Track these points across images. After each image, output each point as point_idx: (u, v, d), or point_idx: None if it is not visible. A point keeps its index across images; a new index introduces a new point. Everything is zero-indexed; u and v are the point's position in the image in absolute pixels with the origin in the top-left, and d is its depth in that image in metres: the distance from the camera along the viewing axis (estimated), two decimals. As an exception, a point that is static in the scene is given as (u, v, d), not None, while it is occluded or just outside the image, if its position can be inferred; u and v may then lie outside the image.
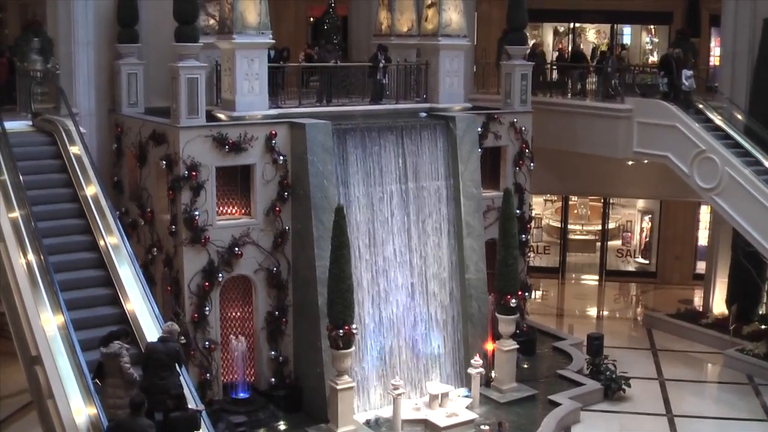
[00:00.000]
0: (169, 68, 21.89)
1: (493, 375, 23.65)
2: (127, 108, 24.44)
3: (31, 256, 17.08)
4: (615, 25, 37.15)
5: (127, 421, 13.86)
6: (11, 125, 20.41)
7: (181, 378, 15.72)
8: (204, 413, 15.72)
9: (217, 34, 23.33)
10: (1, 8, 33.83)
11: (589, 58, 32.90)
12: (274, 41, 23.03)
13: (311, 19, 35.23)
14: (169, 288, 21.80)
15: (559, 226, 36.80)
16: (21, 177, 18.25)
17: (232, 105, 22.26)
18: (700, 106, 27.39)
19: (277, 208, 22.04)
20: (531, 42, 32.83)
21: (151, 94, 24.78)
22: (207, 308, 21.31)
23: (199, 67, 21.71)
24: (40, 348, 15.70)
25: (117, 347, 15.16)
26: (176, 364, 15.42)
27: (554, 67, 31.72)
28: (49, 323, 15.98)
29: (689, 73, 26.99)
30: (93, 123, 24.27)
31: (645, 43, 37.96)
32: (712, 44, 34.13)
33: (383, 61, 25.49)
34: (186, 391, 15.73)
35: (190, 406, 15.40)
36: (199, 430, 15.10)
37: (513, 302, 23.20)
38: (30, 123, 21.77)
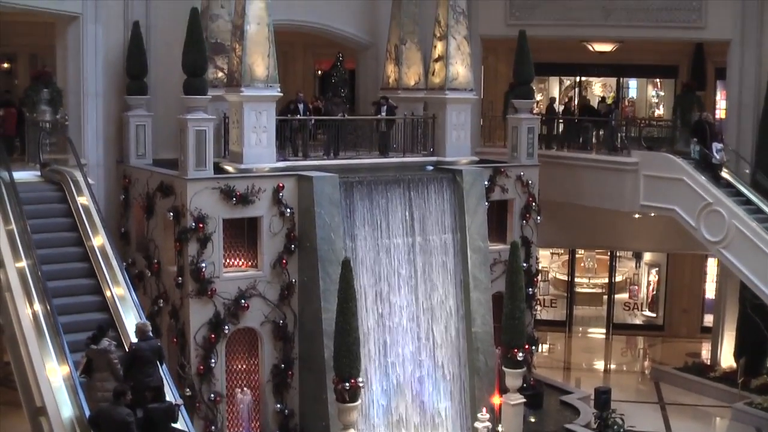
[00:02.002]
0: (178, 120, 22.04)
1: (500, 429, 23.37)
2: (135, 159, 24.54)
3: (37, 307, 17.03)
4: (621, 79, 37.28)
5: (108, 409, 14.42)
6: (20, 175, 20.44)
7: (161, 373, 16.14)
8: (182, 408, 15.89)
9: (225, 86, 23.49)
10: (11, 58, 34.09)
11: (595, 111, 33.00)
12: (281, 94, 23.18)
13: (319, 72, 35.43)
14: (174, 339, 21.75)
15: (566, 279, 36.66)
16: (29, 227, 18.27)
17: (239, 157, 22.34)
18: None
19: (284, 261, 22.05)
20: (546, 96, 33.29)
21: (159, 145, 24.91)
22: (213, 360, 21.24)
23: (207, 119, 21.86)
24: (45, 399, 15.63)
25: (106, 344, 15.78)
26: (158, 361, 16.00)
27: (560, 120, 31.76)
28: (54, 374, 15.92)
29: (720, 146, 26.82)
30: (101, 174, 24.35)
31: (651, 96, 38.04)
32: (718, 97, 34.21)
33: (384, 113, 25.68)
34: (165, 386, 16.11)
35: (168, 399, 15.67)
36: (176, 422, 15.27)
37: (520, 356, 23.09)
38: (38, 173, 21.82)
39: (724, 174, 26.85)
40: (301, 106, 25.11)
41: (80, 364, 15.92)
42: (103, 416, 14.40)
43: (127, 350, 16.58)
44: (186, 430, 15.85)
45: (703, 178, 26.36)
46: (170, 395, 16.16)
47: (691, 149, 27.01)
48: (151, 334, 16.40)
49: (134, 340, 16.51)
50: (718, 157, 26.63)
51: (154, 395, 15.27)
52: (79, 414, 15.12)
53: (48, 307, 16.80)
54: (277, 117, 23.00)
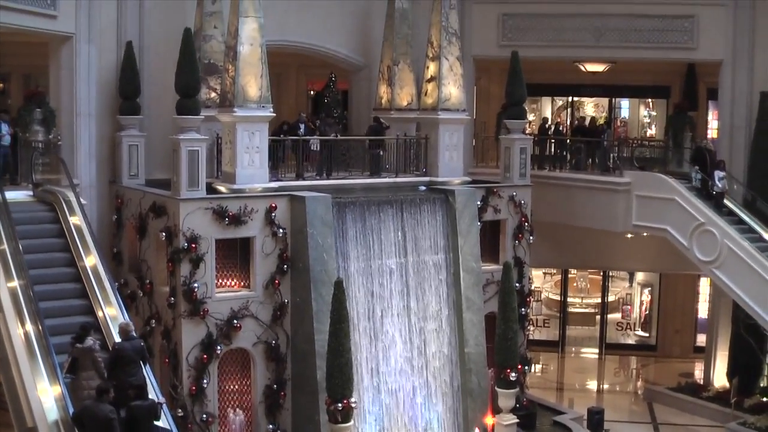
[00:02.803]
0: (170, 140, 22.06)
1: (492, 450, 23.46)
2: (128, 179, 24.53)
3: (29, 327, 16.97)
4: (613, 99, 37.39)
5: (91, 406, 14.61)
6: (12, 195, 20.40)
7: (144, 372, 16.27)
8: (164, 406, 16.04)
9: (218, 107, 23.51)
10: (4, 78, 34.08)
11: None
12: (274, 114, 23.21)
13: (312, 92, 35.49)
14: (167, 360, 21.69)
15: (559, 299, 36.70)
16: (21, 247, 18.23)
17: (232, 177, 22.35)
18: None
19: (277, 281, 22.03)
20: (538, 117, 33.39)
21: (152, 165, 24.91)
22: (205, 381, 21.18)
23: (200, 139, 21.88)
24: (36, 420, 15.55)
25: (91, 342, 16.05)
26: (141, 360, 16.17)
27: (552, 141, 31.84)
28: (45, 394, 15.87)
29: (722, 174, 26.76)
30: (93, 194, 24.33)
31: (643, 116, 38.16)
32: (710, 117, 34.35)
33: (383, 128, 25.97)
34: (149, 385, 16.28)
35: (151, 397, 15.85)
36: (158, 420, 15.45)
37: (513, 376, 23.03)
38: (31, 193, 21.76)
39: (727, 202, 26.77)
40: (302, 126, 25.20)
41: (66, 363, 16.14)
42: (87, 413, 14.57)
43: (110, 350, 16.67)
44: (168, 428, 15.95)
45: (695, 197, 26.40)
46: (153, 394, 16.30)
47: (693, 177, 26.97)
48: (134, 333, 16.56)
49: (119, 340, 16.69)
50: (720, 185, 26.56)
51: (137, 393, 15.46)
52: (70, 435, 15.11)
53: (40, 328, 16.74)
54: (270, 137, 23.01)
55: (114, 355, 16.06)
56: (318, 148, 25.25)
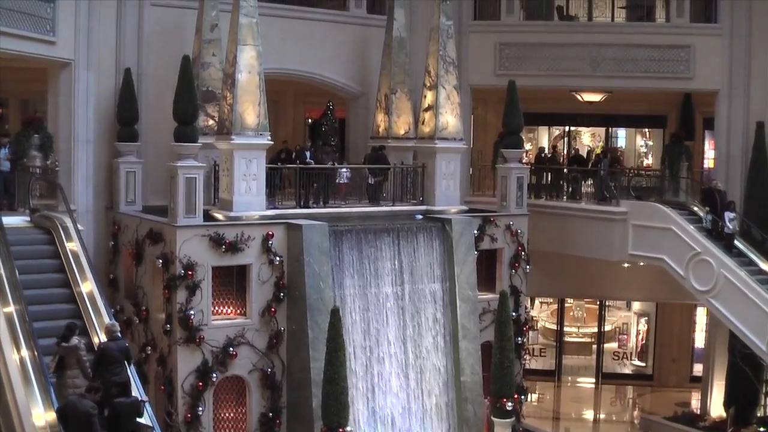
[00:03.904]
0: (168, 167, 22.11)
1: (488, 479, 23.38)
2: (125, 206, 24.59)
3: (24, 353, 16.91)
4: (610, 129, 37.47)
5: (74, 401, 14.75)
6: (9, 220, 20.35)
7: (129, 372, 16.37)
8: (147, 404, 16.06)
9: (216, 134, 23.61)
10: (2, 104, 34.10)
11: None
12: (272, 142, 23.29)
13: (309, 120, 35.54)
14: (162, 387, 21.64)
15: (555, 328, 36.62)
16: (17, 272, 18.19)
17: (229, 205, 22.38)
18: (695, 208, 27.50)
19: (273, 309, 22.03)
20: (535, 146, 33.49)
21: (149, 192, 24.98)
22: (200, 408, 21.15)
23: (197, 166, 21.94)
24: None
25: (76, 341, 16.31)
26: (125, 360, 16.28)
27: (549, 170, 31.87)
28: (40, 420, 15.79)
29: (732, 215, 26.50)
30: (90, 220, 24.38)
31: (639, 146, 38.23)
32: (706, 147, 34.40)
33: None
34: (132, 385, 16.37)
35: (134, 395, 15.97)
36: (141, 417, 15.54)
37: (509, 405, 23.01)
38: (28, 219, 21.72)
39: (737, 243, 26.67)
40: (307, 153, 25.29)
41: (52, 362, 16.31)
42: (69, 408, 14.68)
43: (96, 350, 16.84)
44: (150, 425, 15.96)
45: (691, 227, 26.41)
46: (136, 393, 16.32)
47: (703, 218, 26.68)
48: (119, 334, 16.66)
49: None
50: (731, 226, 26.33)
51: (120, 390, 15.58)
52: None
53: (35, 354, 16.69)
54: (267, 165, 23.05)
55: (99, 354, 16.24)
56: (348, 179, 25.56)
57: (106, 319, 18.75)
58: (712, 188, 27.40)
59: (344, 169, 25.86)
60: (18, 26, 21.75)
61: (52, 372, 16.12)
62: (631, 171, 32.16)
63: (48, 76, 24.42)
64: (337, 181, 25.69)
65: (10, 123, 32.38)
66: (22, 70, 26.55)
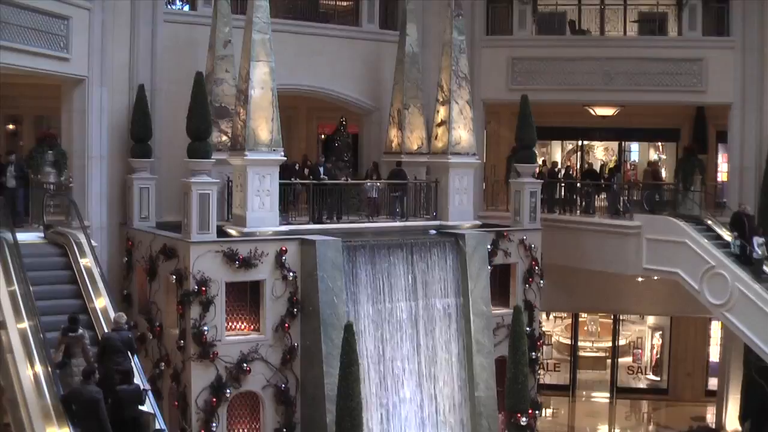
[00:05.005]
0: (181, 183, 22.15)
1: (503, 495, 23.29)
2: (139, 222, 24.61)
3: (38, 368, 16.96)
4: (623, 142, 37.42)
5: (78, 388, 15.19)
6: (23, 237, 20.41)
7: (132, 363, 16.76)
8: (150, 393, 16.43)
9: (229, 150, 23.62)
10: (17, 120, 34.25)
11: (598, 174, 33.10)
12: (285, 158, 23.32)
13: (322, 136, 35.59)
14: (176, 403, 21.65)
15: (570, 343, 36.52)
16: (31, 288, 18.23)
17: (243, 221, 22.40)
18: (709, 222, 27.43)
19: (287, 324, 22.02)
20: (548, 160, 33.47)
21: (163, 208, 24.99)
22: (214, 424, 21.12)
23: (211, 182, 21.97)
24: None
25: (81, 331, 16.81)
26: (129, 351, 16.72)
27: (562, 184, 31.84)
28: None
29: (761, 240, 26.08)
30: (104, 236, 24.43)
31: (653, 159, 38.15)
32: (720, 160, 34.32)
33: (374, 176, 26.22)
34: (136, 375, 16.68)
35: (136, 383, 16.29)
36: (143, 405, 15.94)
37: (523, 420, 22.95)
38: (42, 235, 21.81)
39: (766, 268, 26.41)
40: (321, 169, 25.33)
41: (58, 351, 16.64)
42: (74, 395, 15.10)
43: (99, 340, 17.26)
44: (152, 412, 16.20)
45: (705, 241, 26.32)
46: (139, 382, 16.52)
47: (732, 244, 26.25)
48: (124, 326, 17.01)
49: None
50: (759, 252, 25.93)
51: (122, 378, 15.88)
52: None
53: (49, 370, 16.73)
54: (280, 181, 23.07)
55: (102, 344, 16.69)
56: (377, 195, 25.72)
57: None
58: (740, 213, 27.02)
59: (375, 184, 25.90)
60: (32, 43, 21.88)
61: (62, 358, 16.51)
62: (645, 185, 32.12)
63: (62, 93, 24.53)
64: (367, 195, 25.97)
65: (24, 139, 32.61)
66: (36, 86, 26.71)
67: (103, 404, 14.86)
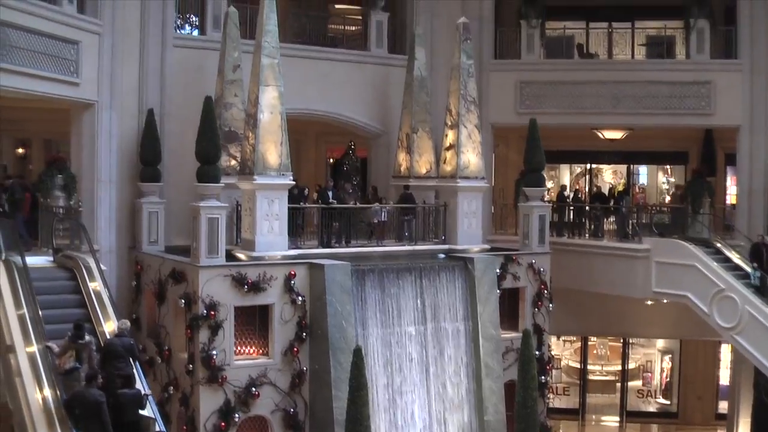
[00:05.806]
0: (190, 207, 22.19)
1: None
2: (148, 246, 24.66)
3: (47, 392, 16.95)
4: (631, 165, 37.42)
5: (81, 391, 15.37)
6: (32, 260, 20.40)
7: (133, 369, 16.91)
8: (150, 398, 16.51)
9: (238, 174, 23.67)
10: (26, 144, 34.40)
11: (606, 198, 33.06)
12: (294, 182, 23.34)
13: (331, 160, 35.66)
14: (184, 427, 21.63)
15: (579, 366, 36.39)
16: (40, 312, 18.24)
17: (252, 245, 22.42)
18: (718, 245, 27.36)
19: (295, 349, 22.00)
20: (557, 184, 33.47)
21: (172, 232, 25.05)
22: (222, 449, 21.07)
23: (219, 207, 22.01)
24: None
25: (88, 338, 17.00)
26: (130, 357, 16.89)
27: (571, 208, 31.81)
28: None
29: None
30: (113, 260, 24.48)
31: (661, 183, 38.16)
32: (728, 183, 34.31)
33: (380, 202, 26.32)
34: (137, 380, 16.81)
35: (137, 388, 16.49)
36: (143, 409, 16.07)
37: (533, 445, 22.85)
38: (51, 259, 21.82)
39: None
40: (330, 193, 25.37)
41: (65, 357, 16.76)
42: (77, 398, 15.23)
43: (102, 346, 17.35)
44: (152, 416, 16.20)
45: (715, 264, 26.25)
46: (140, 387, 16.60)
47: (751, 275, 26.14)
48: (126, 333, 17.26)
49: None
50: None
51: (124, 382, 16.11)
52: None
53: (58, 394, 16.72)
54: (289, 205, 23.10)
55: (104, 350, 16.89)
56: (385, 218, 25.71)
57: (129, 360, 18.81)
58: (760, 243, 26.87)
59: (383, 208, 25.94)
60: (42, 68, 22.05)
61: (74, 364, 16.59)
62: (654, 208, 32.10)
63: (71, 117, 24.66)
64: (374, 220, 25.92)
65: (33, 163, 32.75)
66: (45, 110, 26.87)
67: (106, 407, 15.03)
